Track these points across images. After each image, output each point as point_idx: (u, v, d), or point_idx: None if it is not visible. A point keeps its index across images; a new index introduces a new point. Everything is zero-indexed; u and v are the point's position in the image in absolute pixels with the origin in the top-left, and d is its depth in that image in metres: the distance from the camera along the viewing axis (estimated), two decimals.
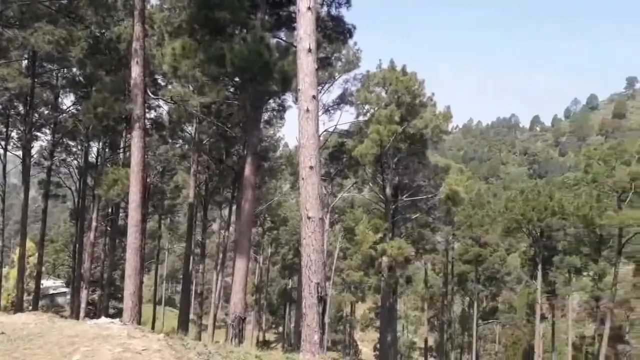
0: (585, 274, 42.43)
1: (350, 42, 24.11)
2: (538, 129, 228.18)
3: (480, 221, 44.36)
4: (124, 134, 28.65)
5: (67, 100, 30.18)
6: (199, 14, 14.29)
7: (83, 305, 27.21)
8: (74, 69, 27.02)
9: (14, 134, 29.96)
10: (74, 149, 32.84)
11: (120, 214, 33.84)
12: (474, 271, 48.46)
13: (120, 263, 37.59)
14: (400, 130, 27.42)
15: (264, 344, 49.34)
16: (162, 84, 26.11)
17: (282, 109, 28.47)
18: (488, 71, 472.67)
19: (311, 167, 9.26)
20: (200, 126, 28.33)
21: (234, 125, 27.66)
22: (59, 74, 28.54)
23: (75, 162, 33.53)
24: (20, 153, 26.62)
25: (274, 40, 15.41)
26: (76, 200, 34.06)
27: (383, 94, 28.82)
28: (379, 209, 33.45)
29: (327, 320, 35.95)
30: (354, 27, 16.74)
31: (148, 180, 28.91)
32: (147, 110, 22.67)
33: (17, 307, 25.12)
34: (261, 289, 62.21)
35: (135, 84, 13.45)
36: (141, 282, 13.83)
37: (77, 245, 33.09)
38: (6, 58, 21.64)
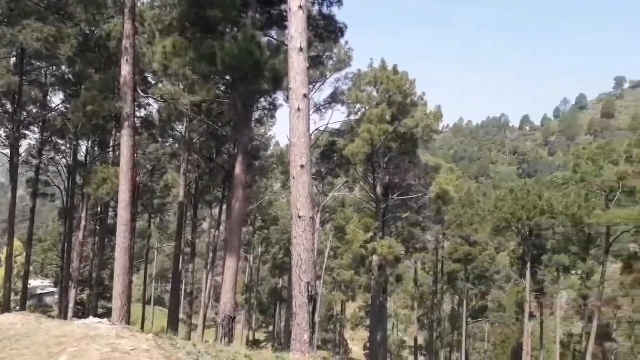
0: (573, 272, 42.82)
1: (342, 41, 24.15)
2: (528, 128, 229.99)
3: (470, 220, 44.60)
4: (113, 133, 28.42)
5: (56, 99, 29.94)
6: (190, 12, 14.22)
7: (71, 305, 26.99)
8: (63, 67, 26.74)
9: (1, 132, 29.57)
10: (63, 148, 32.59)
11: (110, 213, 33.60)
12: (463, 270, 48.75)
13: (109, 262, 37.34)
14: (392, 130, 27.50)
15: (254, 344, 49.25)
16: (153, 82, 25.99)
17: (273, 107, 28.42)
18: (479, 71, 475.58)
19: (302, 166, 9.25)
20: (190, 125, 28.19)
21: (224, 124, 27.57)
22: (48, 72, 28.27)
23: (64, 160, 33.27)
24: (8, 152, 26.29)
25: (265, 39, 15.38)
26: (65, 199, 33.79)
27: (374, 93, 28.88)
28: (369, 208, 33.52)
29: (317, 319, 35.99)
30: (346, 26, 16.76)
31: (138, 179, 28.71)
32: (137, 109, 22.48)
33: (4, 307, 24.83)
34: (251, 288, 62.11)
35: (125, 82, 13.36)
36: (130, 282, 13.74)
37: (66, 244, 32.80)
38: None
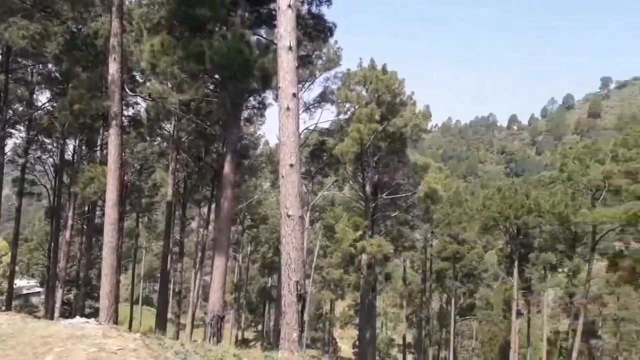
0: (560, 270, 43.27)
1: (331, 40, 24.11)
2: (515, 128, 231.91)
3: (458, 219, 44.84)
4: (101, 132, 28.18)
5: (43, 97, 29.64)
6: (179, 11, 14.15)
7: (58, 305, 26.75)
8: (50, 65, 26.44)
9: None
10: (50, 147, 32.25)
11: (97, 212, 33.34)
12: (451, 268, 49.00)
13: (96, 262, 37.01)
14: (381, 129, 27.60)
15: (242, 343, 49.20)
16: (140, 81, 25.77)
17: (263, 106, 28.28)
18: (467, 71, 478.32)
19: (291, 165, 9.26)
20: (179, 124, 28.05)
21: (213, 123, 27.44)
22: (34, 70, 27.96)
23: (50, 159, 32.93)
24: None
25: (254, 38, 15.35)
26: (51, 198, 33.45)
27: (364, 92, 28.93)
28: (359, 207, 33.59)
29: (306, 318, 36.01)
30: (335, 25, 16.76)
31: (125, 178, 28.53)
32: (124, 108, 22.40)
33: None
34: (240, 287, 61.96)
35: (113, 81, 13.28)
36: (118, 281, 13.68)
37: (52, 244, 32.49)
38: None
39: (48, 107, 28.21)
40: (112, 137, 13.28)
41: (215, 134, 27.96)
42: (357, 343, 45.59)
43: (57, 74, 26.85)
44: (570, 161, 36.51)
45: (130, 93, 21.00)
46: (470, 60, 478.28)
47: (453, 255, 47.40)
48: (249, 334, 66.45)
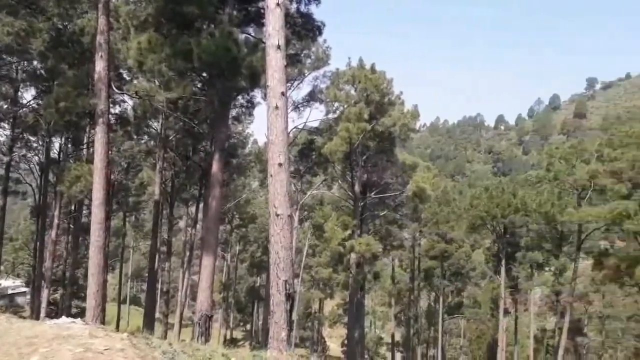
0: (546, 269, 43.70)
1: (320, 39, 24.14)
2: (502, 128, 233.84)
3: (446, 218, 45.09)
4: (87, 130, 27.90)
5: (28, 94, 29.22)
6: (166, 8, 14.06)
7: (44, 305, 26.45)
8: (35, 62, 26.12)
9: None
10: (35, 145, 31.81)
11: (84, 211, 33.02)
12: (439, 267, 49.31)
13: (83, 261, 36.66)
14: (369, 128, 27.64)
15: (231, 342, 49.03)
16: (127, 78, 25.55)
17: (251, 105, 28.14)
18: (455, 70, 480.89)
19: (280, 164, 9.23)
20: (166, 122, 27.83)
21: (201, 122, 27.28)
22: (19, 67, 27.56)
23: (36, 158, 32.48)
24: None
25: (242, 36, 15.32)
26: (37, 197, 33.04)
27: (352, 91, 28.95)
28: (347, 206, 33.65)
29: (295, 317, 35.96)
30: (323, 24, 16.79)
31: (112, 176, 28.27)
32: (111, 105, 22.03)
33: None
34: (229, 286, 61.77)
35: (100, 78, 13.15)
36: (105, 281, 13.55)
37: (38, 243, 32.12)
38: None
39: (33, 105, 27.85)
40: (99, 135, 13.15)
41: (203, 133, 27.80)
42: (345, 342, 45.64)
43: (42, 71, 26.47)
44: (556, 161, 36.80)
45: (117, 91, 20.75)
46: (460, 60, 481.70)
47: (441, 254, 47.70)
48: (238, 334, 66.29)
